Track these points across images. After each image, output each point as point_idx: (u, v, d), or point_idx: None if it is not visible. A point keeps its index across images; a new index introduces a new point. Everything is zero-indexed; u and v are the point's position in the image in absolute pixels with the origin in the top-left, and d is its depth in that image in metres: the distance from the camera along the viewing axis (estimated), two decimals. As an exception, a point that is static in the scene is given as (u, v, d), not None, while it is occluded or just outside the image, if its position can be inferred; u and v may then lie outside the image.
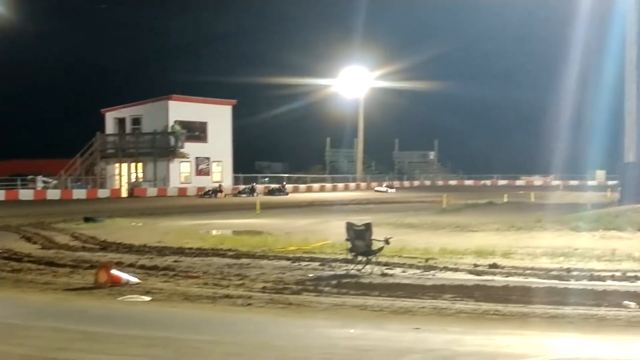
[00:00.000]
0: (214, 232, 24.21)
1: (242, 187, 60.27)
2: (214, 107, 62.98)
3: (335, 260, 15.99)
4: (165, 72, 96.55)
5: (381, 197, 53.36)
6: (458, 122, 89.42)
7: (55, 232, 24.27)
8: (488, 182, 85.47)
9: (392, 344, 8.56)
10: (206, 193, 54.29)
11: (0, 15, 50.46)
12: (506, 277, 13.81)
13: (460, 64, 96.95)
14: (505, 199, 43.70)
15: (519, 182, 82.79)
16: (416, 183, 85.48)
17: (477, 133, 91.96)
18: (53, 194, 51.75)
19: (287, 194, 58.80)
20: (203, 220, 28.94)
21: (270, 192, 58.81)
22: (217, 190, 54.54)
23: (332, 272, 14.65)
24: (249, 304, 11.37)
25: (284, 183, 63.07)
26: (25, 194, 50.54)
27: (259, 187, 59.42)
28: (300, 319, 10.31)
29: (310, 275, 14.30)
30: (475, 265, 15.13)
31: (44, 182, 55.82)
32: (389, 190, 64.65)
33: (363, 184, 76.86)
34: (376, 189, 67.10)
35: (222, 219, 29.87)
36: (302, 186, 69.72)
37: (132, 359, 7.92)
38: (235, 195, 56.21)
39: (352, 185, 75.57)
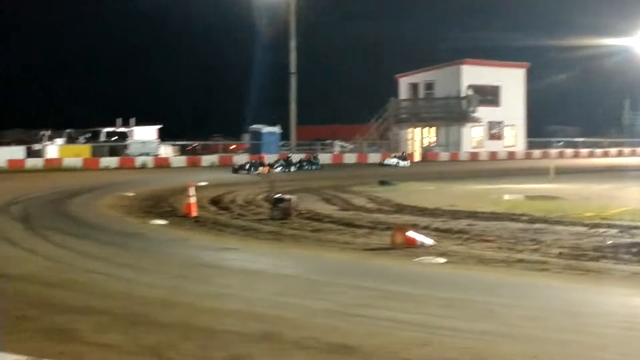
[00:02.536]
0: (507, 197, 23.94)
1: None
2: (506, 70, 62.06)
3: (636, 227, 15.25)
4: (457, 37, 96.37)
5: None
6: None
7: (352, 194, 25.14)
8: None
9: (701, 316, 8.11)
10: (241, 167, 40.94)
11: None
12: None
13: None
14: None
15: None
16: None
17: None
18: (349, 158, 53.59)
19: (320, 167, 45.32)
20: (494, 184, 28.72)
21: (300, 164, 44.54)
22: (257, 164, 41.38)
23: (631, 240, 13.99)
24: (545, 269, 11.19)
25: (317, 154, 49.40)
26: (324, 158, 52.76)
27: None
28: (598, 286, 10.00)
29: (609, 242, 13.77)
30: None
31: (341, 146, 57.96)
32: (400, 162, 48.40)
33: (665, 149, 72.34)
34: (384, 161, 49.53)
35: (514, 184, 29.47)
36: (598, 151, 67.01)
37: (429, 318, 8.10)
38: (236, 171, 40.47)
39: (653, 149, 71.38)
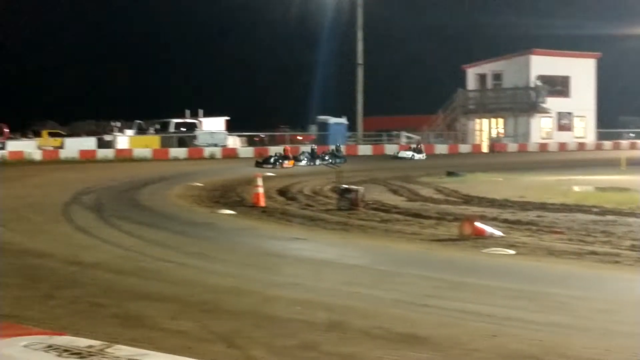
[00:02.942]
0: (577, 188, 23.61)
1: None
2: (576, 60, 61.02)
3: None
4: (525, 26, 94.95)
5: None
6: None
7: (419, 185, 25.08)
8: None
9: None
10: (265, 161, 36.83)
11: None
12: None
13: None
14: None
15: None
16: None
17: None
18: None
19: (345, 160, 40.36)
20: (564, 175, 28.34)
21: (329, 160, 39.40)
22: (283, 157, 37.53)
23: None
24: (616, 262, 11.01)
25: (339, 145, 44.12)
26: (391, 149, 52.64)
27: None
28: (673, 279, 9.84)
29: (683, 234, 13.51)
30: None
31: (407, 137, 57.71)
32: (416, 155, 44.71)
33: None
34: (399, 154, 45.76)
35: (583, 175, 29.05)
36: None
37: (497, 309, 8.04)
38: (259, 165, 36.13)
39: None
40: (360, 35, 53.44)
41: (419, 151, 45.68)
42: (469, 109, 61.17)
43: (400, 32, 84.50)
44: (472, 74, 64.10)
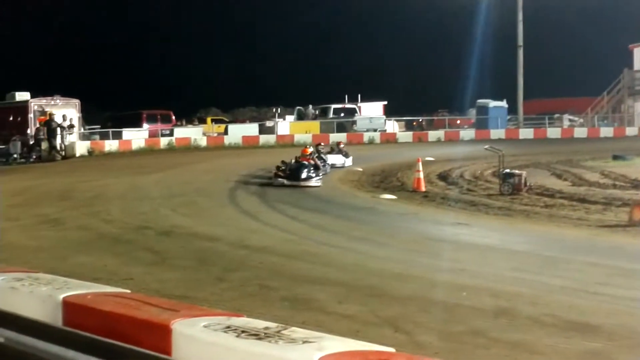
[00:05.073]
0: None
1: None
2: None
3: None
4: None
5: None
6: None
7: (583, 169, 24.35)
8: None
9: None
10: (293, 175, 20.81)
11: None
12: None
13: None
14: None
15: None
16: None
17: None
18: (580, 132, 51.75)
19: (328, 167, 24.79)
20: None
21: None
22: (314, 167, 22.03)
23: None
24: None
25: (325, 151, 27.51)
26: (553, 132, 51.28)
27: None
28: None
29: None
30: None
31: (570, 120, 56.10)
32: (346, 161, 27.75)
33: None
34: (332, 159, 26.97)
35: None
36: None
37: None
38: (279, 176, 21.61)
39: None
40: (520, 16, 52.32)
41: (344, 154, 28.45)
42: (636, 90, 58.80)
43: (563, 12, 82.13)
44: (638, 53, 61.53)
